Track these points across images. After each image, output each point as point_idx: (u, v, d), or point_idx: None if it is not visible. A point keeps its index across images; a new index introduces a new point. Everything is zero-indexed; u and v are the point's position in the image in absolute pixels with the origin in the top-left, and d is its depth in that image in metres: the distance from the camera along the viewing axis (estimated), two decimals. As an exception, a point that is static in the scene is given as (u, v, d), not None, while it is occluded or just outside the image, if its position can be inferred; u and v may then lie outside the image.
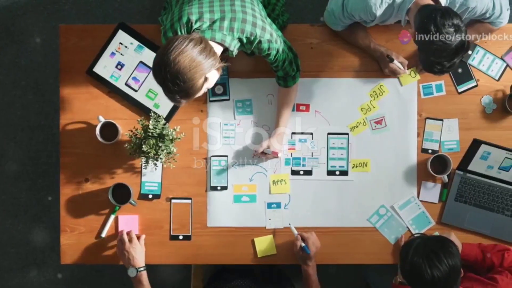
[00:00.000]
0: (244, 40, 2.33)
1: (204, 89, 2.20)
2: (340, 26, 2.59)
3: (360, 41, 2.63)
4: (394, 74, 2.65)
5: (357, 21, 2.53)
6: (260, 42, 2.34)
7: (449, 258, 2.16)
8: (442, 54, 2.14)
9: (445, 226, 2.67)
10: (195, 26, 2.27)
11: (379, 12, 2.38)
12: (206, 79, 2.16)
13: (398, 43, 2.61)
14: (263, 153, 2.63)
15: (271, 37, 2.36)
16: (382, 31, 2.65)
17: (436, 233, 2.63)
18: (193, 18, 2.27)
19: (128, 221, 2.65)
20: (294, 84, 2.57)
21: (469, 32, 2.53)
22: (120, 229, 2.64)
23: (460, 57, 2.17)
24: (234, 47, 2.32)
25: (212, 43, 2.25)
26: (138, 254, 2.54)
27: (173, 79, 2.08)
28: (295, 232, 2.61)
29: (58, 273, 3.47)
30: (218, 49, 2.29)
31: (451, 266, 2.16)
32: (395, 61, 2.60)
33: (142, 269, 2.54)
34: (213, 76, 2.21)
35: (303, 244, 2.55)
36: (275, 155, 2.61)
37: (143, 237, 2.62)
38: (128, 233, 2.59)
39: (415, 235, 2.35)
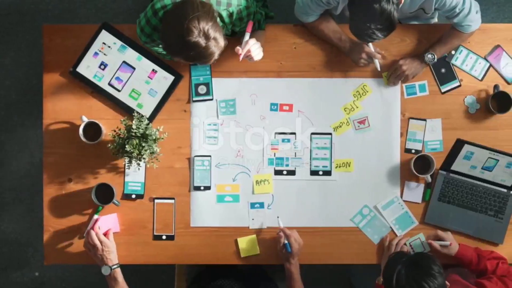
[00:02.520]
0: (224, 14, 2.39)
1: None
2: (310, 15, 2.58)
3: (331, 33, 2.63)
4: (369, 61, 2.62)
5: (323, 7, 2.53)
6: (239, 11, 2.41)
7: (433, 282, 2.15)
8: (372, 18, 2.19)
9: (428, 226, 2.67)
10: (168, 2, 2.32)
11: None
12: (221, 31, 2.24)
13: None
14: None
15: (247, 2, 2.43)
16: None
17: (438, 232, 2.62)
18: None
19: (107, 220, 2.65)
20: (263, 27, 2.63)
21: (443, 47, 2.59)
22: (90, 228, 2.57)
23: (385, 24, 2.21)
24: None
25: None
26: (111, 254, 2.53)
27: (207, 33, 2.17)
28: (281, 224, 2.61)
29: (42, 273, 3.47)
30: None
31: None
32: (370, 44, 2.59)
33: (115, 266, 2.53)
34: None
35: (285, 241, 2.55)
36: (249, 26, 2.50)
37: (111, 233, 2.59)
38: (96, 234, 2.53)
39: (398, 253, 2.33)
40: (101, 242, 2.51)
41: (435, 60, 2.60)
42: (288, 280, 2.59)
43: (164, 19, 2.27)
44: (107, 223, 2.62)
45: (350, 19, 2.29)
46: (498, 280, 2.42)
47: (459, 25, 2.55)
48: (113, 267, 2.52)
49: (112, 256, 2.53)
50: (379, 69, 2.63)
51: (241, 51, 2.45)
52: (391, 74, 2.65)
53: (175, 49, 2.23)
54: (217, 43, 2.22)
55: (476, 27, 2.57)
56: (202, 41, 2.17)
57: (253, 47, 2.48)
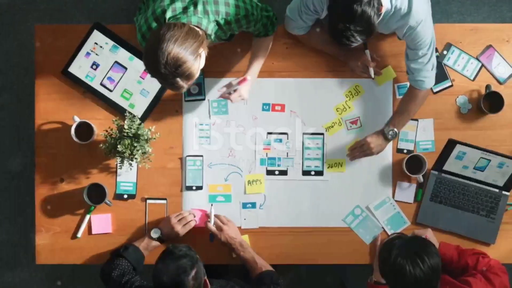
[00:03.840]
0: (222, 22, 2.34)
1: (200, 67, 2.23)
2: (300, 28, 2.58)
3: (325, 43, 2.64)
4: (364, 69, 2.63)
5: (313, 17, 2.51)
6: (238, 20, 2.36)
7: (431, 258, 2.16)
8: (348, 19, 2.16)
9: (421, 226, 2.67)
10: (168, 16, 2.28)
11: None
12: (199, 56, 2.19)
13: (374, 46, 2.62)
14: (229, 94, 2.52)
15: (246, 12, 2.37)
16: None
17: (415, 231, 2.63)
18: (167, 9, 2.28)
19: (100, 220, 2.65)
20: (273, 32, 2.57)
21: (401, 117, 2.58)
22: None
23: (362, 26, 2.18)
24: (212, 30, 2.32)
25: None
26: (174, 235, 2.60)
27: (173, 63, 2.11)
28: (213, 213, 2.62)
29: (33, 273, 3.47)
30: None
31: (433, 267, 2.16)
32: (367, 51, 2.60)
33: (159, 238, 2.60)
34: (204, 55, 2.24)
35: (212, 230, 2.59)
36: (243, 81, 2.48)
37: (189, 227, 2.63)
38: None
39: (394, 235, 2.35)
40: (177, 232, 2.58)
41: (398, 133, 2.59)
42: (247, 267, 2.60)
43: (148, 37, 2.25)
44: (100, 224, 2.63)
45: (328, 20, 2.25)
46: (481, 276, 2.43)
47: (413, 79, 2.51)
48: (159, 237, 2.59)
49: (173, 235, 2.60)
50: (372, 77, 2.63)
51: (220, 90, 2.49)
52: (356, 148, 2.65)
53: (150, 73, 2.21)
54: (187, 79, 2.18)
55: (429, 85, 2.52)
56: (169, 76, 2.14)
57: (234, 94, 2.49)
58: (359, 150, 2.64)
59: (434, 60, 2.48)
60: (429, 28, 2.40)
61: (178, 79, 2.16)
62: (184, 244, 2.29)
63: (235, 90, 2.49)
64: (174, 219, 2.60)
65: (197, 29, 2.26)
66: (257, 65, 2.59)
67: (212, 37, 2.34)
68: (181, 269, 2.15)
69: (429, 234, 2.60)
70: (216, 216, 2.63)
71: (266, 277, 2.52)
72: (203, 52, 2.22)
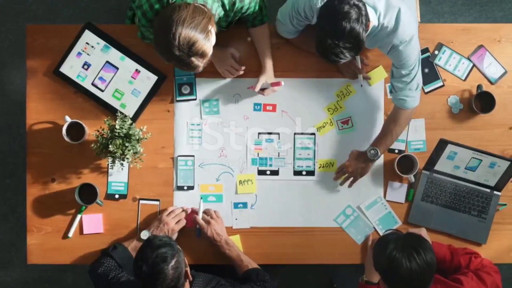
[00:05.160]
0: (226, 1, 2.36)
1: (212, 44, 2.26)
2: (291, 32, 2.59)
3: (314, 47, 2.63)
4: (355, 74, 2.64)
5: (303, 22, 2.52)
6: (242, 0, 2.39)
7: (427, 253, 2.16)
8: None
9: (413, 226, 2.66)
10: None
11: (319, 4, 2.35)
12: (210, 33, 2.22)
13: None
14: (262, 89, 2.61)
15: None
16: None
17: (409, 230, 2.62)
18: None
19: (92, 220, 2.65)
20: (267, 18, 2.60)
21: (384, 139, 2.55)
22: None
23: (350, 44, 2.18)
24: (216, 10, 2.35)
25: None
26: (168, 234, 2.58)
27: (187, 43, 2.15)
28: (202, 208, 2.62)
29: (25, 273, 3.47)
30: None
31: (428, 262, 2.16)
32: (358, 57, 2.60)
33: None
34: (213, 31, 2.26)
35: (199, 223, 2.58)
36: (277, 85, 2.59)
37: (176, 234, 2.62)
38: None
39: (389, 231, 2.35)
40: (172, 229, 2.57)
41: (379, 154, 2.55)
42: (233, 264, 2.59)
43: (155, 23, 2.27)
44: (92, 223, 2.63)
45: (316, 37, 2.24)
46: (473, 275, 2.43)
47: (395, 97, 2.50)
48: None
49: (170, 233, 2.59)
50: (361, 84, 2.64)
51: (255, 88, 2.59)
52: (339, 173, 2.65)
53: (165, 57, 2.24)
54: (202, 57, 2.21)
55: (411, 105, 2.49)
56: (184, 56, 2.18)
57: (267, 90, 2.60)
58: (342, 174, 2.65)
59: (419, 80, 2.47)
60: (414, 49, 2.39)
61: (193, 59, 2.20)
62: (165, 235, 2.28)
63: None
64: (166, 217, 2.59)
65: (203, 7, 2.27)
66: (269, 60, 2.63)
67: (216, 18, 2.36)
68: (160, 257, 2.13)
69: (423, 233, 2.60)
70: (206, 210, 2.63)
71: (252, 274, 2.52)
72: (212, 29, 2.24)
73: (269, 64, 2.63)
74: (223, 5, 2.37)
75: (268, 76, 2.62)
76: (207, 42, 2.20)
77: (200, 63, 2.23)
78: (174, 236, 2.60)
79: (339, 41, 2.17)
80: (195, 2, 2.27)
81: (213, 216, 2.61)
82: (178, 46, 2.15)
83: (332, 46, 2.18)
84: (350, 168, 2.60)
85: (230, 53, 2.63)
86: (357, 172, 2.60)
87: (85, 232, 2.65)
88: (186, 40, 2.15)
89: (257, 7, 2.50)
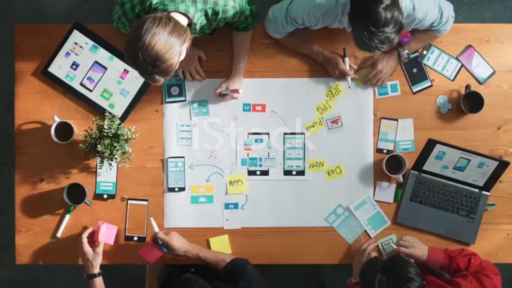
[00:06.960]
0: (209, 12, 2.33)
1: (180, 61, 2.22)
2: (282, 33, 2.59)
3: (302, 47, 2.64)
4: (343, 75, 2.65)
5: (298, 27, 2.53)
6: (225, 11, 2.36)
7: (413, 285, 2.17)
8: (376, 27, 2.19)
9: (400, 226, 2.67)
10: (155, 1, 2.26)
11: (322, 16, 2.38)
12: (180, 54, 2.18)
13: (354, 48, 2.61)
14: (222, 94, 2.62)
15: (234, 2, 2.37)
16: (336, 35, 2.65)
17: (400, 248, 2.59)
18: None
19: (109, 229, 2.63)
20: (253, 27, 2.59)
21: (417, 44, 2.61)
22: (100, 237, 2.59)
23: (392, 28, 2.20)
24: (198, 20, 2.31)
25: (176, 15, 2.24)
26: (96, 262, 2.53)
27: (152, 62, 2.10)
28: (155, 229, 2.56)
29: (14, 273, 3.45)
30: (184, 21, 2.27)
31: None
32: (347, 59, 2.61)
33: (97, 275, 2.53)
34: (185, 50, 2.21)
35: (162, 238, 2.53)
36: (235, 92, 2.61)
37: (101, 245, 2.57)
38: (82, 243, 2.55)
39: (370, 265, 2.31)
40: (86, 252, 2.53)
41: (410, 57, 2.63)
42: (212, 267, 2.55)
43: (132, 27, 2.19)
44: (106, 233, 2.61)
45: (357, 32, 2.24)
46: (472, 278, 2.42)
47: (435, 30, 2.57)
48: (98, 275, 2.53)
49: (96, 266, 2.53)
50: (349, 86, 2.65)
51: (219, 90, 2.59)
52: (370, 79, 2.65)
53: (128, 63, 2.18)
54: (165, 76, 2.17)
55: (448, 29, 2.59)
56: (148, 71, 2.13)
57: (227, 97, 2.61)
58: (375, 78, 2.65)
59: (450, 11, 2.52)
60: (435, 12, 2.46)
61: (156, 76, 2.15)
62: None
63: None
64: (83, 249, 2.54)
65: (183, 19, 2.25)
66: (242, 64, 2.61)
67: (197, 27, 2.33)
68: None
69: (417, 245, 2.58)
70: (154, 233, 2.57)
71: (234, 268, 2.47)
72: (184, 51, 2.19)
73: (239, 70, 2.62)
74: (206, 15, 2.34)
75: (234, 82, 2.62)
76: (174, 62, 2.15)
77: (161, 80, 2.18)
78: (98, 250, 2.55)
79: (384, 28, 2.18)
80: (177, 9, 2.24)
81: (165, 236, 2.54)
82: (143, 60, 2.09)
83: (379, 35, 2.20)
84: (384, 70, 2.63)
85: (197, 55, 2.62)
86: (389, 73, 2.65)
87: (99, 238, 2.58)
88: (153, 59, 2.09)
89: (242, 18, 2.47)
